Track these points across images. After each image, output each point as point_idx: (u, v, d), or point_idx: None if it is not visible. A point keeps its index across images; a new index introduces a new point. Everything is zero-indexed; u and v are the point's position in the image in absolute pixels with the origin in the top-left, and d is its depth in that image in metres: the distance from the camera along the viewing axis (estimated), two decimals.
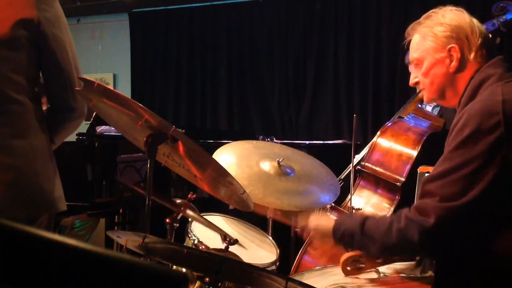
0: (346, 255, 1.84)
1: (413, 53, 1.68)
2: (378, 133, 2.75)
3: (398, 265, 1.92)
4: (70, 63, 1.83)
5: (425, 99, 1.74)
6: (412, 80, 1.72)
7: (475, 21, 1.62)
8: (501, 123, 1.39)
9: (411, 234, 1.43)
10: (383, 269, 1.90)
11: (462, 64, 1.59)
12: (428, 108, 3.17)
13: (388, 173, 2.62)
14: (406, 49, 1.76)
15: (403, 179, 2.54)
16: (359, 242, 1.57)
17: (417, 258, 1.78)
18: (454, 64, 1.59)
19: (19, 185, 1.73)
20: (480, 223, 1.42)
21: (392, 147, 2.67)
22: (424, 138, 2.63)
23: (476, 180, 1.39)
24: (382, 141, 2.71)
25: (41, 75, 1.87)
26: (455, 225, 1.41)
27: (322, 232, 1.69)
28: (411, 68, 3.02)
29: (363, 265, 1.86)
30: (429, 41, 1.62)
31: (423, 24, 1.65)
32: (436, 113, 3.09)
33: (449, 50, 1.58)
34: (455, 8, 1.63)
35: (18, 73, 1.74)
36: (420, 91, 2.83)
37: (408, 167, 2.56)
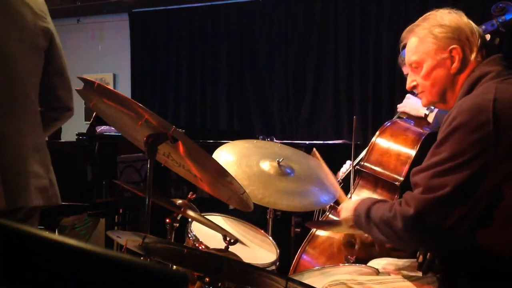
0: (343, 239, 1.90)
1: (411, 56, 1.65)
2: (377, 133, 2.75)
3: (400, 262, 1.93)
4: (67, 67, 2.04)
5: (424, 102, 1.70)
6: (409, 84, 1.70)
7: (472, 22, 1.61)
8: (489, 121, 1.39)
9: (396, 223, 1.48)
10: (384, 265, 1.90)
11: (463, 65, 1.58)
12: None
13: (387, 172, 2.62)
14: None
15: (401, 179, 2.54)
16: (367, 226, 1.62)
17: (419, 261, 1.79)
18: (455, 65, 1.57)
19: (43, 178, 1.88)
20: (460, 215, 1.42)
21: (391, 147, 2.67)
22: (423, 138, 2.63)
23: (458, 175, 1.40)
24: (381, 141, 2.71)
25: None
26: (433, 216, 1.43)
27: (347, 216, 1.74)
28: (406, 70, 3.02)
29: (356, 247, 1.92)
30: (429, 42, 1.60)
31: (421, 26, 1.63)
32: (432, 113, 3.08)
33: (451, 51, 1.57)
34: (452, 10, 1.63)
35: (37, 77, 1.92)
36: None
37: (407, 166, 2.56)
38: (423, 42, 1.62)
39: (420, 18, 1.66)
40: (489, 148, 1.39)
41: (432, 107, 2.73)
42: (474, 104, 1.44)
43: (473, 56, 1.57)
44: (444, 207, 1.42)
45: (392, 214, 1.49)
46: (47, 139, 2.09)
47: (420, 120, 2.79)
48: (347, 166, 2.99)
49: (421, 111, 2.75)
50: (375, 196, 2.63)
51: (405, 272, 1.83)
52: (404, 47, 1.72)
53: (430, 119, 2.72)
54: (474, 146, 1.39)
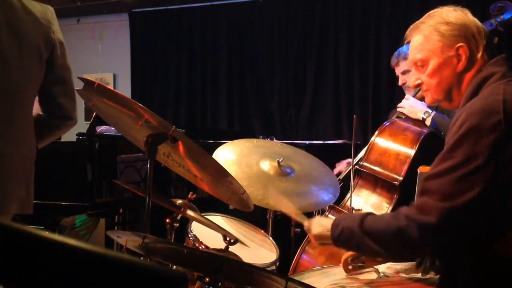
0: (348, 253, 1.83)
1: (416, 54, 1.63)
2: (376, 132, 2.75)
3: (399, 266, 1.92)
4: (71, 76, 2.00)
5: (428, 100, 1.68)
6: (414, 82, 1.67)
7: (477, 20, 1.60)
8: (501, 122, 1.38)
9: (412, 232, 1.42)
10: (383, 269, 1.90)
11: (470, 64, 1.56)
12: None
13: (386, 172, 2.61)
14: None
15: (401, 178, 2.54)
16: (358, 240, 1.53)
17: (418, 260, 1.78)
18: (462, 63, 1.56)
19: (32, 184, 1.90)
20: (480, 221, 1.42)
21: (390, 146, 2.67)
22: (422, 137, 2.62)
23: (476, 179, 1.38)
24: (380, 141, 2.71)
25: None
26: (456, 225, 1.40)
27: (321, 232, 1.66)
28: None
29: (363, 263, 1.86)
30: (435, 40, 1.58)
31: (426, 23, 1.61)
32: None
33: (457, 49, 1.56)
34: (457, 7, 1.61)
35: (34, 86, 1.90)
36: (418, 91, 2.83)
37: (406, 166, 2.56)
38: (428, 39, 1.60)
39: (424, 15, 1.64)
40: (502, 149, 1.38)
41: (430, 111, 2.73)
42: (484, 105, 1.43)
43: (479, 54, 1.55)
44: (466, 214, 1.39)
45: (404, 223, 1.43)
46: None
47: (418, 121, 2.79)
48: (344, 164, 3.00)
49: (419, 114, 2.75)
50: (375, 196, 2.63)
51: (404, 275, 1.82)
52: (407, 43, 1.70)
53: (428, 122, 2.72)
54: (489, 147, 1.38)
